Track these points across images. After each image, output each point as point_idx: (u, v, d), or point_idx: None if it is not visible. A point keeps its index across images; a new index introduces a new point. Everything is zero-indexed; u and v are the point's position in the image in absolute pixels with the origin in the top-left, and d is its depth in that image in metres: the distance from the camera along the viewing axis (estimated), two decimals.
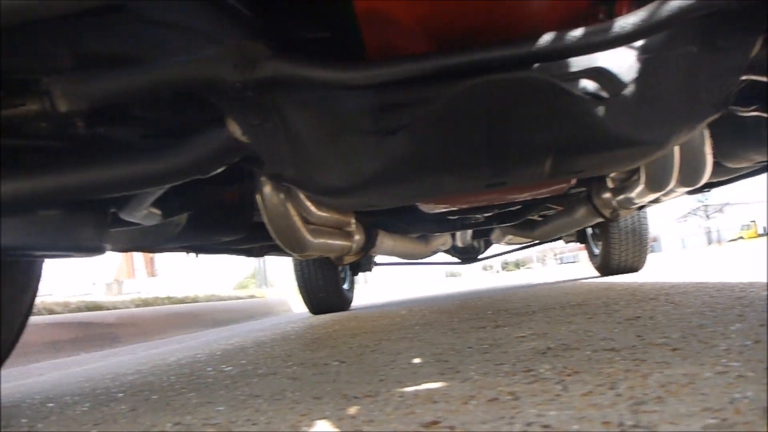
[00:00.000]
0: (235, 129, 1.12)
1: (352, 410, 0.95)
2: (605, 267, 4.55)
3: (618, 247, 4.36)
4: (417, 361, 1.40)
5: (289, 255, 3.50)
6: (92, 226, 1.29)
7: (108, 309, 5.08)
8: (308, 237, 1.64)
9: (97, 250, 1.32)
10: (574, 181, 2.07)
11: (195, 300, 6.73)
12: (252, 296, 8.60)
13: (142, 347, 3.85)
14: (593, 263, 4.90)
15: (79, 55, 0.98)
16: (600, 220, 2.51)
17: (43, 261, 1.82)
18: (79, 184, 1.13)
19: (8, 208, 1.18)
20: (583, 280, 4.62)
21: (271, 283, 15.48)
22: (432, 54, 0.94)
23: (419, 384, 1.10)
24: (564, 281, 5.21)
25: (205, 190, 1.61)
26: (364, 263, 4.79)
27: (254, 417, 1.01)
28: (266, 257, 3.51)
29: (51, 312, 4.29)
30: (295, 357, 1.84)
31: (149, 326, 4.84)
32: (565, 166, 1.09)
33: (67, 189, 1.13)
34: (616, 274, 4.50)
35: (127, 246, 2.02)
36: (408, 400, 0.97)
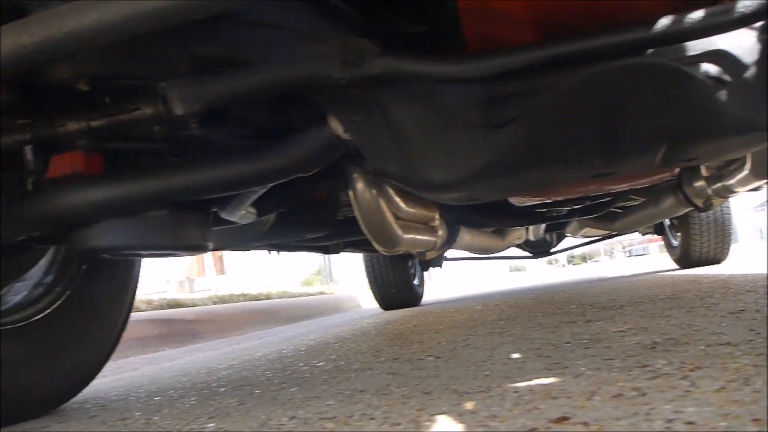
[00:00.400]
0: (336, 126, 1.13)
1: (469, 405, 0.94)
2: (685, 259, 4.40)
3: (699, 238, 4.21)
4: (516, 356, 1.38)
5: (368, 251, 3.53)
6: (196, 225, 1.33)
7: (187, 306, 5.26)
8: (399, 232, 1.64)
9: (201, 248, 1.36)
10: (677, 171, 2.00)
11: (268, 297, 6.87)
12: (321, 293, 8.72)
13: (223, 343, 3.95)
14: (671, 255, 4.74)
15: (194, 59, 1.01)
16: (689, 209, 2.41)
17: (141, 260, 1.89)
18: (190, 185, 1.16)
19: (121, 209, 1.22)
20: (662, 273, 4.47)
21: (336, 280, 15.66)
22: (545, 43, 0.92)
23: (529, 379, 1.08)
24: (641, 274, 5.06)
25: (299, 188, 1.64)
26: (434, 258, 4.78)
27: (368, 411, 1.01)
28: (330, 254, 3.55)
29: (137, 309, 4.47)
30: (384, 352, 1.85)
31: (227, 323, 4.98)
32: (679, 154, 1.05)
33: (178, 190, 1.17)
34: (697, 266, 4.34)
35: (218, 245, 2.08)
36: (524, 395, 0.96)
